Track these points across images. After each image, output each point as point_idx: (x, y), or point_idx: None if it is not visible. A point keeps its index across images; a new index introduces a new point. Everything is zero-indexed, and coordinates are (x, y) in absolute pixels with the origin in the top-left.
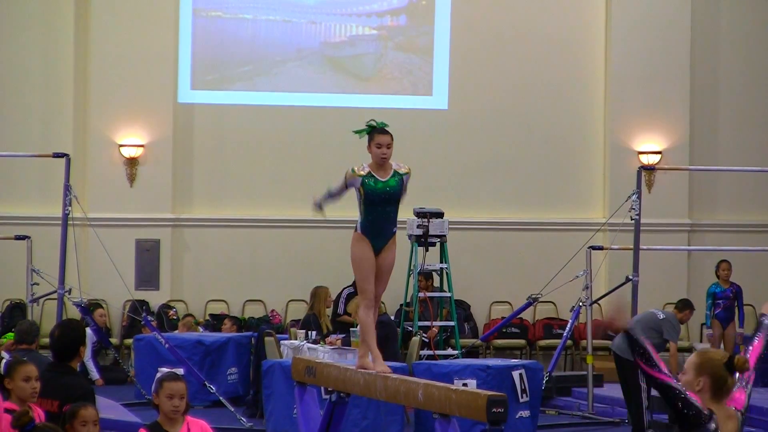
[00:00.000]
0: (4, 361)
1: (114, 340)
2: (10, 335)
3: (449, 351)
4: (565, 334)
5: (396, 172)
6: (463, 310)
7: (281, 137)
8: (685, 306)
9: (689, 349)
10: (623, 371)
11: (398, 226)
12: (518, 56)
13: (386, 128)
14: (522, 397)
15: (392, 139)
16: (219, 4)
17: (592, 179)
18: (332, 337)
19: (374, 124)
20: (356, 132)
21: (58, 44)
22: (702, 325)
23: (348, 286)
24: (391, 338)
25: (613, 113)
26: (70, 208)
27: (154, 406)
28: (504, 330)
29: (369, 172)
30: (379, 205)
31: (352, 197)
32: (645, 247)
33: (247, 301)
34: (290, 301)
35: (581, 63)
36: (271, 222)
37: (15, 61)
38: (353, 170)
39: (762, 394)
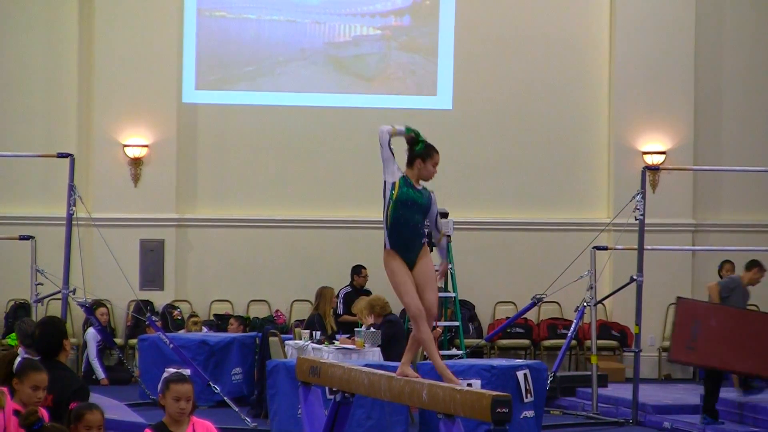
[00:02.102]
0: (18, 359)
1: (118, 341)
2: (15, 335)
3: (454, 351)
4: (569, 335)
5: (426, 189)
6: (467, 310)
7: (285, 137)
8: (751, 265)
9: None
10: None
11: None
12: (522, 56)
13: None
14: (526, 398)
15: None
16: (223, 5)
17: (596, 179)
18: (343, 337)
19: (422, 137)
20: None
21: (62, 44)
22: None
23: (345, 287)
24: (399, 338)
25: (617, 113)
26: (74, 208)
27: (160, 406)
28: (508, 330)
29: (406, 176)
30: (410, 209)
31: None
32: (649, 247)
33: (252, 301)
34: (294, 301)
35: (585, 63)
36: (276, 222)
37: (19, 61)
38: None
39: (764, 394)
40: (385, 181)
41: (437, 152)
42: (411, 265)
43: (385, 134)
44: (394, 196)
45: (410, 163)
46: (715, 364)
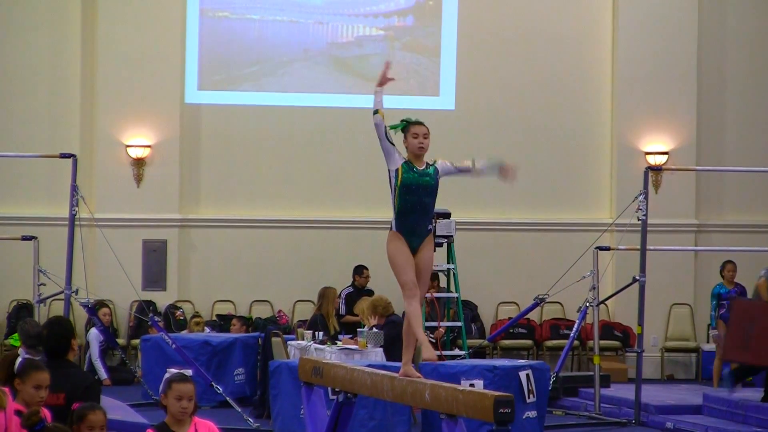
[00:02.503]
0: (19, 360)
1: (121, 341)
2: (17, 335)
3: (456, 351)
4: (572, 335)
5: (430, 164)
6: (470, 310)
7: (288, 138)
8: None
9: (695, 350)
10: None
11: None
12: (525, 57)
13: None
14: (529, 398)
15: (428, 132)
16: (226, 5)
17: (599, 180)
18: (346, 337)
19: (410, 119)
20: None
21: (65, 45)
22: (708, 325)
23: (347, 287)
24: (402, 338)
25: (620, 114)
26: (77, 209)
27: (161, 407)
28: (511, 330)
29: (407, 160)
30: (415, 193)
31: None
32: (652, 247)
33: (254, 301)
34: (297, 301)
35: (588, 63)
36: (278, 222)
37: (22, 61)
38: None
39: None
40: (389, 170)
41: (419, 123)
42: (413, 251)
43: (380, 128)
44: (399, 183)
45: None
46: None
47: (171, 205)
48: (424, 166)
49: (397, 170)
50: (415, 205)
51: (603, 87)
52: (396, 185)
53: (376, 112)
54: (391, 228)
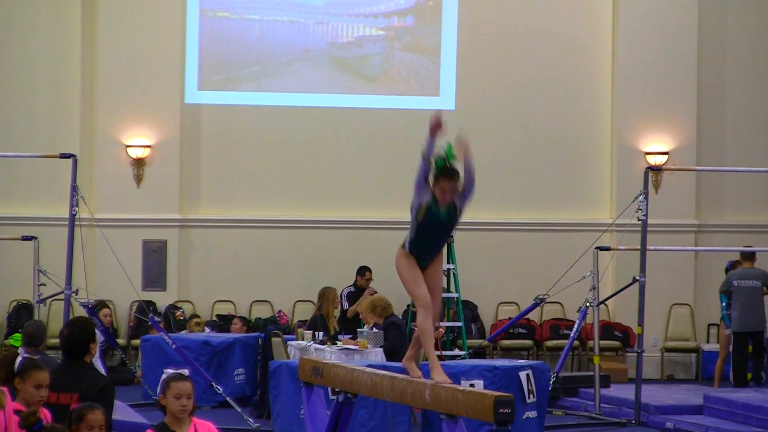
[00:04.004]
0: (19, 359)
1: (121, 341)
2: (18, 336)
3: (456, 351)
4: (572, 335)
5: (453, 202)
6: (470, 310)
7: (288, 138)
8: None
9: (695, 350)
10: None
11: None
12: (525, 57)
13: (455, 169)
14: (529, 398)
15: (457, 186)
16: (226, 5)
17: (599, 180)
18: (346, 337)
19: (444, 157)
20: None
21: (65, 45)
22: (721, 321)
23: (348, 286)
24: (402, 338)
25: (620, 114)
26: (77, 209)
27: (159, 407)
28: (511, 330)
29: (433, 198)
30: (433, 230)
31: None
32: (652, 247)
33: (255, 301)
34: (297, 301)
35: (588, 63)
36: (279, 222)
37: (22, 61)
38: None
39: (765, 394)
40: (413, 199)
41: (445, 177)
42: (423, 268)
43: (424, 171)
44: (420, 220)
45: None
46: None
47: (171, 205)
48: (447, 204)
49: (420, 205)
50: (433, 239)
51: (603, 87)
52: (416, 219)
53: (427, 158)
54: (402, 246)
